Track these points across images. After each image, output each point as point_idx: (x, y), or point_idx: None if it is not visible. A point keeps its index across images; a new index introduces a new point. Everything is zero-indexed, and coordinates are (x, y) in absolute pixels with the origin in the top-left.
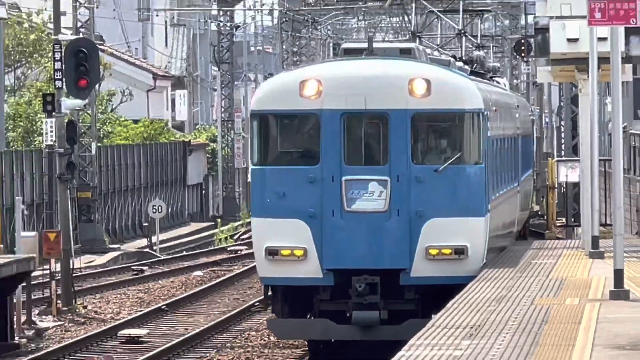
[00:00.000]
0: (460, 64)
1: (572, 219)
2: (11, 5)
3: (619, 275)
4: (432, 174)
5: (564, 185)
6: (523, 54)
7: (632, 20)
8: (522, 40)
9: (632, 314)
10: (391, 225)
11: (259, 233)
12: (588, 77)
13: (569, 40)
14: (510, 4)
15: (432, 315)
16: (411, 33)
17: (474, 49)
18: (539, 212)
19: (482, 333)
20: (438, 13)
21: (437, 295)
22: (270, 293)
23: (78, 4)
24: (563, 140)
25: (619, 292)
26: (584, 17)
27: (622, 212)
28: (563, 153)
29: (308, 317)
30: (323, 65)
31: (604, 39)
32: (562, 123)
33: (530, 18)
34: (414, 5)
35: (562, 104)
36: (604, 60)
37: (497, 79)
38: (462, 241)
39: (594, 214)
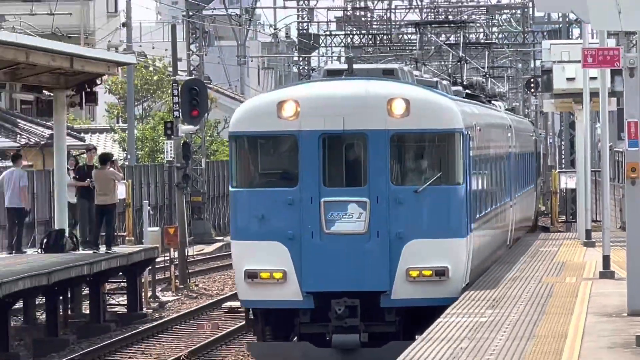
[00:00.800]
0: (458, 88)
1: (570, 217)
2: (139, 54)
3: (606, 259)
4: (411, 195)
5: (564, 191)
6: (532, 90)
7: (616, 64)
8: (532, 79)
9: (617, 289)
10: (371, 247)
11: (238, 256)
12: (582, 107)
13: (568, 79)
14: (522, 52)
15: (416, 337)
16: (414, 60)
17: (481, 77)
18: (545, 211)
19: (502, 304)
20: (441, 43)
21: (419, 317)
22: (251, 316)
23: (191, 52)
24: (563, 156)
25: (607, 273)
26: (579, 61)
27: (609, 211)
28: (563, 166)
29: (289, 339)
30: (301, 86)
31: (595, 78)
32: (563, 143)
33: (538, 62)
34: (418, 36)
35: (562, 128)
36: (594, 94)
37: (495, 102)
38: (443, 262)
39: (587, 212)
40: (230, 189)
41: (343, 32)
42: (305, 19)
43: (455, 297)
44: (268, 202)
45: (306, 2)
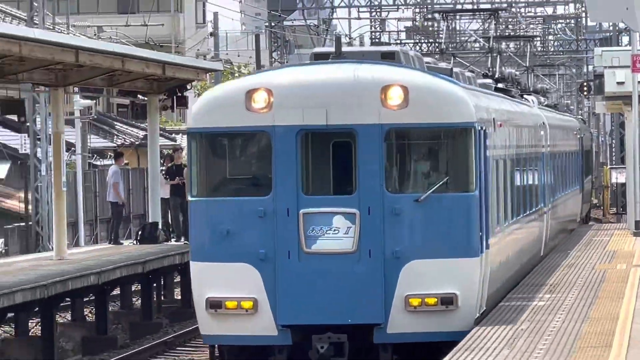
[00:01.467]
0: (486, 80)
1: (621, 209)
2: (226, 61)
3: None
4: (411, 205)
5: (615, 185)
6: (585, 93)
7: None
8: (585, 83)
9: None
10: (361, 269)
11: (199, 280)
12: (631, 109)
13: (618, 83)
14: (576, 58)
15: None
16: (440, 51)
17: (522, 71)
18: (597, 204)
19: (559, 289)
20: (471, 33)
21: (421, 355)
22: (216, 354)
23: (273, 59)
24: (614, 153)
25: None
26: (628, 66)
27: None
28: (614, 162)
29: None
30: (276, 72)
31: None
32: (613, 141)
33: (590, 67)
34: (445, 24)
35: (612, 127)
36: None
37: (528, 97)
38: (451, 288)
39: (636, 205)
40: (189, 198)
41: (412, 41)
42: (378, 29)
43: (466, 331)
44: (234, 215)
45: (378, 13)
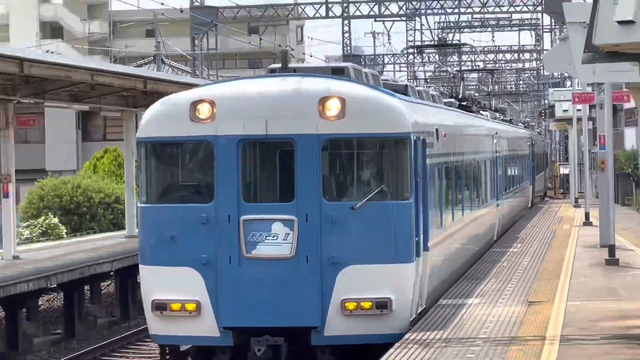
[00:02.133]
0: (451, 100)
1: (566, 190)
2: None
3: (587, 215)
4: (348, 212)
5: (562, 175)
6: (543, 116)
7: (592, 102)
8: (542, 111)
9: (593, 232)
10: (299, 274)
11: (146, 283)
12: (572, 127)
13: (564, 110)
14: (538, 95)
15: None
16: (414, 78)
17: (485, 95)
18: (550, 187)
19: (526, 241)
20: (440, 64)
21: (358, 356)
22: (167, 354)
23: None
24: (561, 155)
25: (587, 222)
26: (570, 100)
27: (588, 186)
28: (561, 160)
29: None
30: (220, 85)
31: (579, 109)
32: (560, 147)
33: (546, 100)
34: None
35: (560, 139)
36: (579, 119)
37: (483, 112)
38: (385, 293)
39: (574, 187)
40: (139, 204)
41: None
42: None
43: (401, 334)
44: (179, 221)
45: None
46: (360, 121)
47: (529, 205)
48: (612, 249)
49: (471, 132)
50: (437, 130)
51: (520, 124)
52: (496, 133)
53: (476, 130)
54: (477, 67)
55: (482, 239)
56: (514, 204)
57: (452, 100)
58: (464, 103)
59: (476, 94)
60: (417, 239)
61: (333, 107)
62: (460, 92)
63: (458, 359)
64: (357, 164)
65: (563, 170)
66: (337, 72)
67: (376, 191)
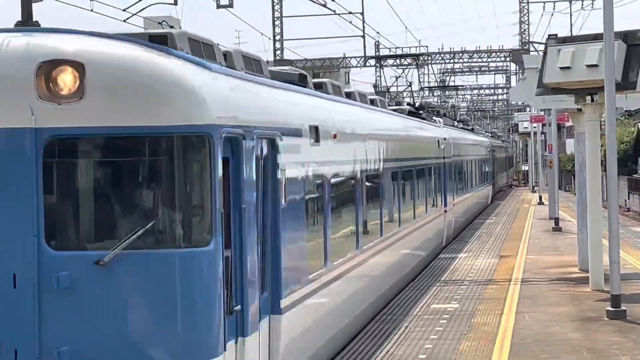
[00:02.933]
0: (407, 107)
1: (526, 182)
2: None
3: (540, 197)
4: (91, 271)
5: (523, 171)
6: (510, 131)
7: (543, 121)
8: (509, 127)
9: (545, 209)
10: None
11: None
12: (531, 139)
13: (524, 127)
14: (506, 117)
15: None
16: (373, 86)
17: (448, 104)
18: (515, 178)
19: (500, 215)
20: (399, 75)
21: None
22: None
23: None
24: (522, 157)
25: (540, 203)
26: (529, 120)
27: (541, 178)
28: (522, 161)
29: None
30: None
31: (535, 127)
32: (522, 152)
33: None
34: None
35: (522, 147)
36: (535, 133)
37: (436, 118)
38: None
39: (532, 179)
40: None
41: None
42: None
43: None
44: None
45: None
46: (113, 105)
47: (489, 201)
48: (556, 220)
49: (413, 138)
50: (316, 128)
51: (487, 133)
52: (444, 139)
53: (419, 136)
54: (454, 85)
55: (432, 242)
56: (471, 204)
57: (404, 107)
58: (420, 111)
59: (431, 102)
60: (237, 306)
61: (64, 81)
62: (418, 102)
63: (453, 293)
64: (110, 183)
65: (524, 168)
66: (158, 39)
67: (140, 232)
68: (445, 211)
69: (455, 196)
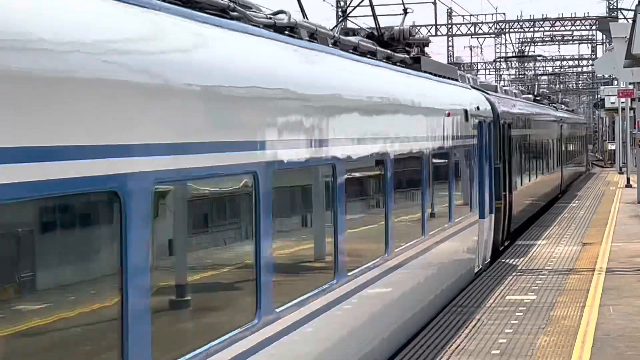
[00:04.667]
0: (529, 96)
1: (612, 161)
2: None
3: (628, 179)
4: None
5: (610, 150)
6: (597, 106)
7: (632, 96)
8: (596, 102)
9: (633, 192)
10: None
11: None
12: (619, 115)
13: (612, 102)
14: (592, 90)
15: None
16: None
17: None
18: (600, 158)
19: (583, 198)
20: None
21: None
22: None
23: None
24: (609, 135)
25: (628, 185)
26: (616, 95)
27: (629, 159)
28: (609, 139)
29: None
30: None
31: (623, 102)
32: (609, 130)
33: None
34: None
35: (609, 123)
36: (623, 109)
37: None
38: None
39: (619, 160)
40: None
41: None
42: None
43: None
44: None
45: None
46: None
47: (558, 191)
48: None
49: (423, 109)
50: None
51: (551, 105)
52: (474, 110)
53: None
54: (547, 72)
55: (462, 264)
56: (527, 200)
57: (530, 96)
58: (538, 98)
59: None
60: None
61: None
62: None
63: (531, 283)
64: None
65: (611, 147)
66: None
67: None
68: (481, 222)
69: (515, 186)
